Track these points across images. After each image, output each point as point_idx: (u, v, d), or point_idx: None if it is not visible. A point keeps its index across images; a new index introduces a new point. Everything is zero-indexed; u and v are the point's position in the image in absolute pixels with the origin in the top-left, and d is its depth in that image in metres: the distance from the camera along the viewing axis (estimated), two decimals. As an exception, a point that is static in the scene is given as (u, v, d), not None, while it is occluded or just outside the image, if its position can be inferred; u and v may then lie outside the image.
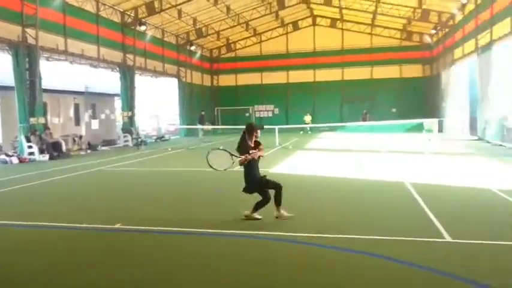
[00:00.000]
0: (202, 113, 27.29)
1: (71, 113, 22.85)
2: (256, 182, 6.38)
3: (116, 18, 23.87)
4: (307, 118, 32.25)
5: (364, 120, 30.09)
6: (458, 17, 25.35)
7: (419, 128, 23.37)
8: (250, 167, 6.38)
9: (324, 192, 8.97)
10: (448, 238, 5.40)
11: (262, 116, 37.83)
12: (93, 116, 24.05)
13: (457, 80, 25.66)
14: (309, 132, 30.92)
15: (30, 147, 16.55)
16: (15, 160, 15.91)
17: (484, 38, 20.63)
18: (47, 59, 19.30)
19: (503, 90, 18.96)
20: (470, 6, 22.87)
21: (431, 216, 6.47)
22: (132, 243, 5.65)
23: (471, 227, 5.96)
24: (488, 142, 19.06)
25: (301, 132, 30.38)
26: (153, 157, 16.95)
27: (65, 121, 22.01)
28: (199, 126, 26.38)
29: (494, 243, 5.23)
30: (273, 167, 12.73)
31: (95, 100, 24.45)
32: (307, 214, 6.99)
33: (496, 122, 18.94)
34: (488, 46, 19.65)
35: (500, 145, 17.53)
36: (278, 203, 6.40)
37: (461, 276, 4.17)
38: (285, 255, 5.05)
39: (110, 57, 23.05)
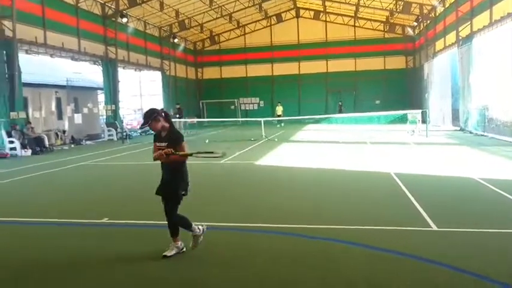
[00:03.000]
0: (177, 106, 26.77)
1: (53, 107, 22.40)
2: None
3: (97, 10, 23.41)
4: (279, 109, 30.10)
5: (340, 111, 30.26)
6: (439, 9, 25.64)
7: (403, 119, 23.66)
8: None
9: (311, 184, 9.02)
10: (434, 227, 5.49)
11: (247, 108, 37.76)
12: (76, 110, 23.63)
13: (439, 71, 26.01)
14: (282, 124, 28.81)
15: (11, 142, 16.18)
16: (-5, 156, 15.53)
17: (464, 30, 20.94)
18: (26, 52, 18.84)
19: (484, 81, 19.30)
20: (451, -1, 23.19)
21: (417, 205, 6.57)
22: (120, 237, 5.60)
23: (456, 215, 6.08)
24: (470, 132, 19.42)
25: (278, 125, 28.86)
26: (138, 151, 16.77)
27: (47, 115, 21.57)
28: (177, 120, 26.08)
29: (478, 231, 5.34)
30: (259, 159, 12.75)
31: (77, 94, 24.00)
32: (294, 206, 7.03)
33: (478, 112, 19.30)
34: (468, 38, 19.95)
35: (482, 135, 17.89)
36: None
37: (448, 264, 4.25)
38: (272, 246, 5.06)
39: (92, 50, 22.63)
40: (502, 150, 13.07)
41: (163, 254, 4.63)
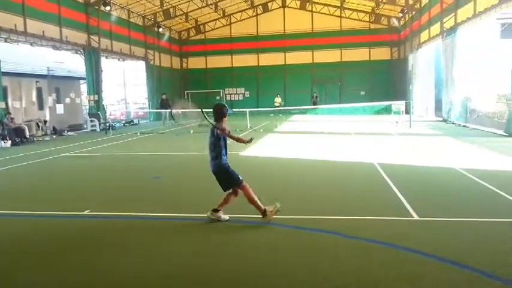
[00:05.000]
0: (163, 96, 26.72)
1: (34, 97, 21.90)
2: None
3: (79, -2, 22.88)
4: (278, 100, 31.21)
5: (315, 103, 30.43)
6: (425, 0, 25.77)
7: (387, 110, 23.88)
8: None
9: (295, 174, 9.03)
10: (415, 216, 5.55)
11: (233, 99, 37.59)
12: (58, 100, 23.17)
13: (423, 62, 26.24)
14: (280, 115, 29.88)
15: (-10, 133, 15.80)
16: (-26, 147, 15.17)
17: (448, 21, 21.11)
18: (5, 40, 18.30)
19: (467, 73, 19.56)
20: (436, -10, 23.29)
21: (400, 195, 6.64)
22: (102, 229, 5.52)
23: (437, 205, 6.16)
24: (453, 123, 19.70)
25: (280, 115, 29.66)
26: (121, 142, 16.56)
27: (28, 105, 21.09)
28: (163, 110, 25.91)
29: (458, 220, 5.42)
30: (244, 150, 12.71)
31: (59, 83, 23.50)
32: (277, 196, 7.02)
33: (460, 103, 19.57)
34: (453, 29, 20.12)
35: (464, 126, 18.17)
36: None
37: (428, 253, 4.30)
38: (256, 236, 5.06)
39: (74, 39, 22.12)
40: (483, 140, 13.30)
41: None
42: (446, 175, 8.33)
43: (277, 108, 29.62)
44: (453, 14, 20.47)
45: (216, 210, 5.58)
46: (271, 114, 29.47)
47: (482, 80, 19.85)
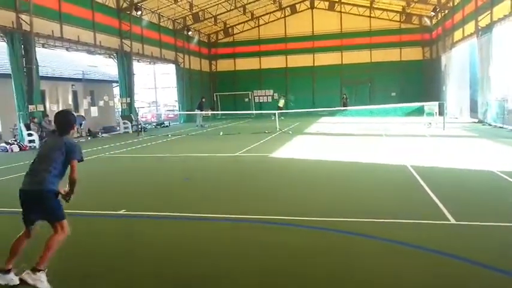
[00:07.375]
0: (203, 99, 27.35)
1: (70, 100, 22.74)
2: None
3: (112, 3, 23.52)
4: (281, 102, 30.40)
5: (345, 105, 29.95)
6: (458, -2, 25.08)
7: (419, 111, 23.32)
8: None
9: (326, 176, 8.97)
10: (452, 220, 5.40)
11: (261, 101, 37.69)
12: (92, 103, 23.92)
13: (457, 62, 25.50)
14: (282, 118, 26.12)
15: (30, 134, 16.48)
16: (15, 148, 15.87)
17: (484, 20, 20.43)
18: (43, 45, 19.09)
19: (504, 72, 18.85)
20: (471, -13, 22.59)
21: (435, 198, 6.48)
22: (138, 228, 5.67)
23: (474, 209, 5.97)
24: (489, 125, 19.03)
25: (282, 117, 27.72)
26: (154, 143, 16.92)
27: (64, 108, 21.89)
28: (198, 112, 26.22)
29: (496, 224, 5.25)
30: (274, 151, 12.72)
31: (93, 87, 24.30)
32: (309, 199, 7.00)
33: (497, 104, 18.88)
34: (488, 28, 19.46)
35: (501, 127, 17.52)
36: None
37: (467, 258, 4.18)
38: (290, 239, 5.06)
39: (107, 43, 22.79)
40: (522, 142, 12.79)
41: None
42: (484, 178, 8.07)
43: (279, 111, 27.44)
44: (489, 11, 19.80)
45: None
46: (272, 117, 27.66)
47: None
